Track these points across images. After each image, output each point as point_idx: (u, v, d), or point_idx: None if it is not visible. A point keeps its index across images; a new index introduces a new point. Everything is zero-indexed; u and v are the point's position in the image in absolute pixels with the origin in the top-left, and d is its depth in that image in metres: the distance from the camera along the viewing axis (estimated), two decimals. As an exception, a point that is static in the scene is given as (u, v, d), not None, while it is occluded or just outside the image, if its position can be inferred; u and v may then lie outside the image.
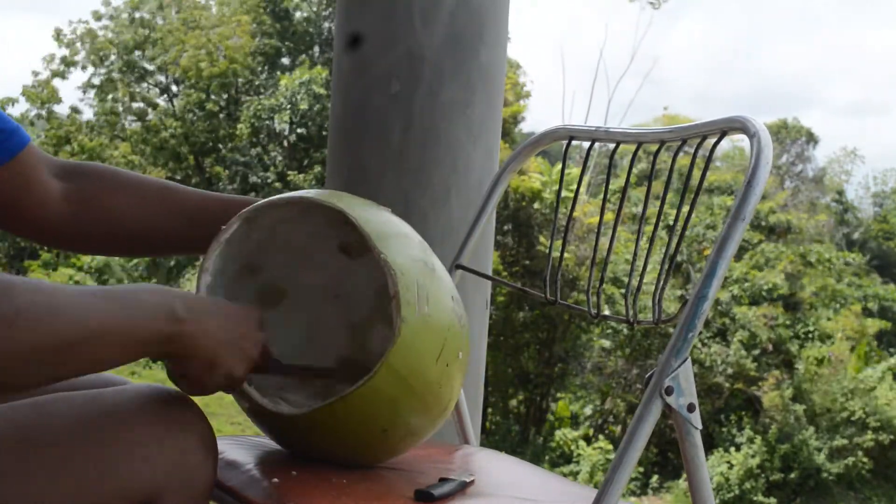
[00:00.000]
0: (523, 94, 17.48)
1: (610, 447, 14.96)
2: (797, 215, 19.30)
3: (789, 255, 17.00)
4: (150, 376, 13.77)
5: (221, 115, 17.90)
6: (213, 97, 17.78)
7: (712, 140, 1.11)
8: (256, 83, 18.21)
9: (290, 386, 1.13)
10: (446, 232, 1.97)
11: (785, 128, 23.27)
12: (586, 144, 1.33)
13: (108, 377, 1.13)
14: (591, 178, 17.40)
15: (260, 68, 18.48)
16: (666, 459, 15.43)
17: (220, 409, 11.69)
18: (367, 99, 1.98)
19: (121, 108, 18.52)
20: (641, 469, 14.89)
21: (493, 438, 15.19)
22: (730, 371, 15.54)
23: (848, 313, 17.24)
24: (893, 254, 23.74)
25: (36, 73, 18.10)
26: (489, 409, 16.11)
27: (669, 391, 0.93)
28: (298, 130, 17.70)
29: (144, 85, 18.79)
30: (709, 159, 1.15)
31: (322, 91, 16.33)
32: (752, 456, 14.87)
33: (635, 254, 1.23)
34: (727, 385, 15.67)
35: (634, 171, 1.24)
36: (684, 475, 1.24)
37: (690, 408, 0.94)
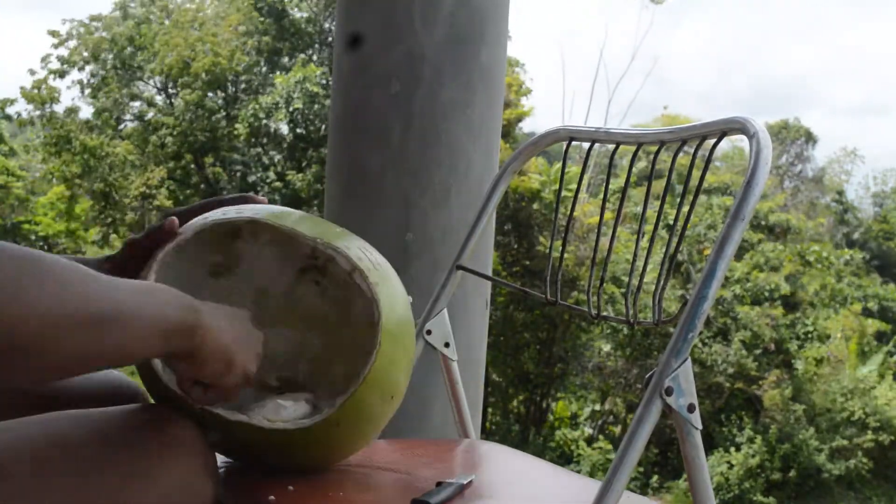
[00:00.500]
0: (523, 91, 17.47)
1: (610, 447, 14.96)
2: (797, 215, 19.31)
3: (789, 255, 17.00)
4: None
5: (220, 115, 17.90)
6: (210, 95, 17.77)
7: (712, 141, 1.11)
8: (256, 83, 18.20)
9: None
10: (446, 232, 1.97)
11: (785, 128, 23.26)
12: (586, 145, 1.33)
13: (120, 379, 1.13)
14: (591, 177, 17.40)
15: (258, 68, 18.47)
16: (666, 459, 15.42)
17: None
18: (367, 99, 1.98)
19: (120, 107, 18.52)
20: (641, 469, 14.88)
21: (492, 439, 15.16)
22: (730, 371, 15.54)
23: (848, 313, 17.24)
24: (893, 254, 23.73)
25: (33, 72, 18.12)
26: (489, 409, 16.11)
27: (669, 392, 0.93)
28: (298, 130, 17.70)
29: (142, 84, 18.79)
30: (708, 160, 1.15)
31: (316, 90, 16.31)
32: (752, 456, 14.86)
33: (635, 254, 1.23)
34: (727, 385, 15.66)
35: (634, 171, 1.24)
36: (684, 475, 1.24)
37: (690, 408, 0.94)
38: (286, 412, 1.02)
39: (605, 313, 1.24)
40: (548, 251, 1.25)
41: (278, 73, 17.67)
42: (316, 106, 16.45)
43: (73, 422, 0.87)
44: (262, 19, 18.34)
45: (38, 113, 17.99)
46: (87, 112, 18.52)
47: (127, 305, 0.74)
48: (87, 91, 18.30)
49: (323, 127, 16.69)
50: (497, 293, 14.65)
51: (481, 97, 2.01)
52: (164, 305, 0.79)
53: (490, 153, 2.05)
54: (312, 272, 1.19)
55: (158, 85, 18.75)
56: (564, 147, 1.35)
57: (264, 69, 18.57)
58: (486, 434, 14.84)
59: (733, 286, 16.09)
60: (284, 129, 17.92)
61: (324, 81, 16.33)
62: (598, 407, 16.84)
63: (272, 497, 0.97)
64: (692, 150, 1.16)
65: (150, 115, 18.50)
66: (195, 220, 1.09)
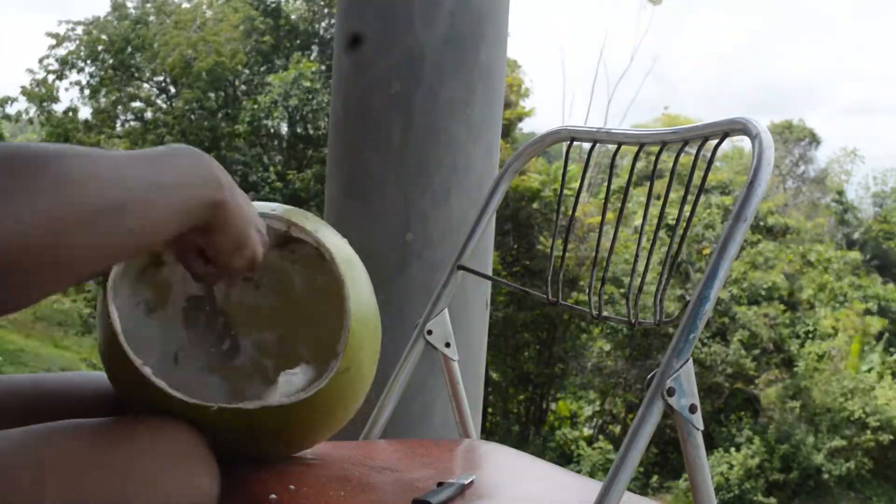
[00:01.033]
0: (523, 92, 17.47)
1: (610, 447, 14.97)
2: (797, 216, 19.31)
3: (789, 255, 17.00)
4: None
5: (220, 115, 17.90)
6: (209, 94, 17.77)
7: (714, 141, 1.10)
8: (255, 82, 18.21)
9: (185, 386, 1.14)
10: (446, 232, 1.97)
11: (789, 129, 23.27)
12: (587, 145, 1.33)
13: (91, 377, 1.13)
14: (592, 178, 17.40)
15: (257, 67, 18.47)
16: (666, 459, 15.43)
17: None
18: (367, 99, 1.98)
19: (119, 107, 18.52)
20: (641, 469, 14.88)
21: (493, 439, 15.10)
22: (729, 371, 15.54)
23: (849, 312, 17.25)
24: (893, 254, 23.73)
25: (32, 72, 18.14)
26: (489, 409, 16.11)
27: (671, 392, 0.93)
28: (297, 130, 17.70)
29: (142, 84, 18.79)
30: (710, 161, 1.15)
31: (312, 85, 16.31)
32: (752, 456, 14.87)
33: (637, 254, 1.23)
34: (727, 385, 15.67)
35: (635, 171, 1.24)
36: (684, 475, 1.24)
37: (692, 409, 0.94)
38: (298, 380, 1.03)
39: (605, 313, 1.24)
40: (548, 251, 1.25)
41: (276, 72, 17.67)
42: (313, 102, 16.44)
43: (73, 429, 0.87)
44: (261, 19, 18.35)
45: (37, 112, 17.98)
46: (85, 113, 18.54)
47: (144, 187, 0.69)
48: (87, 92, 18.30)
49: (322, 126, 16.68)
50: (497, 293, 14.66)
51: (481, 97, 2.01)
52: (186, 180, 0.74)
53: (490, 153, 2.05)
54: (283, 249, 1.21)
55: (158, 85, 18.74)
56: (566, 147, 1.35)
57: (262, 69, 18.58)
58: (486, 434, 14.84)
59: (730, 286, 16.09)
60: (284, 128, 17.92)
61: (319, 77, 16.33)
62: (598, 407, 16.85)
63: (273, 496, 0.97)
64: (694, 151, 1.16)
65: (149, 114, 18.50)
66: None
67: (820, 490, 15.30)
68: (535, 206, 15.67)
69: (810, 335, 16.23)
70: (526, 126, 18.02)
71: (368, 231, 1.95)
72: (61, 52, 18.16)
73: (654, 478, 15.24)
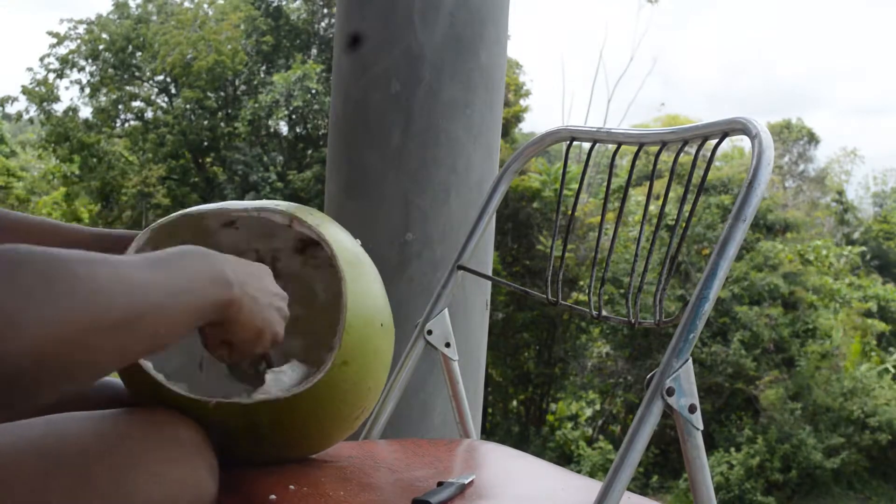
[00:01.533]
0: (523, 93, 17.47)
1: (610, 447, 14.96)
2: (796, 215, 19.30)
3: (789, 254, 17.00)
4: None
5: (220, 114, 17.89)
6: (210, 94, 17.76)
7: (713, 141, 1.10)
8: (255, 82, 18.20)
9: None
10: (446, 232, 1.97)
11: (787, 128, 23.27)
12: (587, 145, 1.33)
13: (117, 385, 1.13)
14: (591, 177, 17.39)
15: (257, 67, 18.47)
16: (666, 459, 15.42)
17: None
18: (367, 99, 1.98)
19: (119, 106, 18.52)
20: (641, 469, 14.88)
21: (493, 439, 15.17)
22: (729, 371, 15.53)
23: (850, 311, 17.24)
24: (893, 254, 23.72)
25: (32, 71, 18.15)
26: (489, 409, 16.11)
27: (671, 392, 0.93)
28: (297, 129, 17.70)
29: (143, 84, 18.79)
30: (710, 160, 1.15)
31: (317, 87, 16.31)
32: (752, 456, 14.86)
33: (636, 255, 1.23)
34: (727, 385, 15.66)
35: (635, 171, 1.24)
36: (685, 475, 1.24)
37: (692, 409, 0.94)
38: (287, 377, 1.03)
39: (605, 313, 1.24)
40: (548, 251, 1.25)
41: (277, 72, 17.66)
42: (315, 104, 16.44)
43: (76, 422, 0.87)
44: (261, 19, 18.35)
45: (37, 112, 17.98)
46: (86, 112, 18.54)
47: (159, 294, 0.73)
48: (87, 91, 18.29)
49: (323, 126, 16.68)
50: (497, 293, 14.65)
51: (481, 97, 2.01)
52: (196, 284, 0.78)
53: (490, 153, 2.05)
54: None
55: (159, 85, 18.73)
56: (566, 147, 1.35)
57: (262, 69, 18.57)
58: (486, 434, 14.84)
59: (731, 286, 16.08)
60: (284, 128, 17.92)
61: (324, 78, 16.33)
62: (598, 407, 16.84)
63: (273, 496, 0.97)
64: (693, 151, 1.16)
65: (149, 114, 18.50)
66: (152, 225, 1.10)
67: (820, 490, 15.30)
68: (535, 205, 15.67)
69: (811, 335, 16.22)
70: (526, 126, 18.03)
71: (368, 231, 1.95)
72: (62, 50, 18.16)
73: (654, 478, 15.24)
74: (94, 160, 17.63)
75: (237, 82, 18.39)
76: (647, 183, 1.19)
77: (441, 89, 1.95)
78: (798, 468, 15.02)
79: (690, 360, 0.94)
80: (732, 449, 15.15)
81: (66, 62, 18.12)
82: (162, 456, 0.88)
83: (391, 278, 1.91)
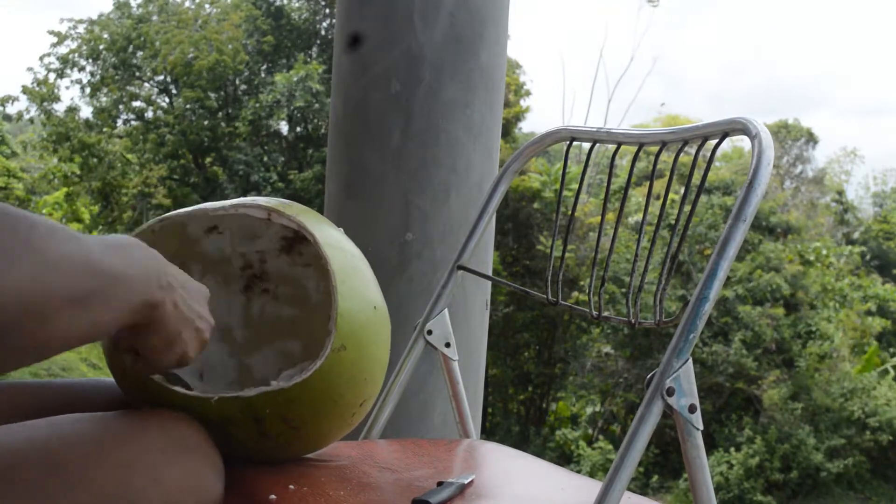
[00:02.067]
0: (523, 93, 17.47)
1: (610, 447, 14.96)
2: (797, 216, 19.31)
3: (789, 255, 17.00)
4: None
5: (220, 114, 17.88)
6: (210, 94, 17.76)
7: (713, 141, 1.10)
8: (256, 82, 18.20)
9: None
10: (446, 232, 1.97)
11: (785, 128, 23.27)
12: (587, 145, 1.33)
13: (98, 383, 1.13)
14: (591, 177, 17.39)
15: (257, 67, 18.47)
16: (666, 459, 15.42)
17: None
18: (367, 99, 1.98)
19: (120, 106, 18.52)
20: (641, 469, 14.88)
21: (493, 439, 15.16)
22: (730, 371, 15.53)
23: (850, 312, 17.24)
24: (893, 254, 23.72)
25: (32, 71, 18.15)
26: (489, 409, 16.11)
27: (671, 392, 0.93)
28: (298, 129, 17.70)
29: (143, 84, 18.79)
30: (710, 160, 1.15)
31: (318, 87, 16.31)
32: (752, 456, 14.86)
33: (636, 255, 1.23)
34: (727, 385, 15.66)
35: (635, 171, 1.24)
36: (684, 475, 1.23)
37: (692, 409, 0.94)
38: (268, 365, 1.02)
39: (606, 313, 1.24)
40: (548, 251, 1.25)
41: (278, 72, 17.66)
42: (316, 104, 16.44)
43: (78, 423, 0.87)
44: (262, 18, 18.34)
45: (38, 111, 17.97)
46: (86, 112, 18.54)
47: (109, 277, 0.72)
48: (87, 90, 18.29)
49: (323, 126, 16.68)
50: (497, 293, 14.65)
51: (481, 97, 2.01)
52: (140, 276, 0.77)
53: (490, 153, 2.05)
54: (257, 285, 1.21)
55: (160, 85, 18.73)
56: (566, 147, 1.35)
57: (263, 68, 18.57)
58: (486, 434, 14.84)
59: (735, 286, 16.09)
60: (285, 128, 17.92)
61: (325, 79, 16.33)
62: (598, 407, 16.84)
63: (273, 496, 0.97)
64: (693, 151, 1.16)
65: (150, 113, 18.50)
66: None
67: (820, 490, 15.30)
68: (535, 206, 15.67)
69: (812, 335, 16.22)
70: (526, 126, 18.03)
71: (368, 231, 1.95)
72: (62, 50, 18.15)
73: (654, 478, 15.24)
74: (95, 160, 17.63)
75: (237, 82, 18.39)
76: (648, 183, 1.19)
77: (441, 89, 1.95)
78: (798, 468, 15.02)
79: (691, 361, 0.94)
80: (732, 449, 15.15)
81: (66, 62, 18.12)
82: (165, 457, 0.88)
83: (391, 278, 1.92)
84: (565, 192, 12.85)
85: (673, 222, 1.25)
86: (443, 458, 1.21)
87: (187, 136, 17.49)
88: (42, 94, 17.78)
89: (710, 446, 15.00)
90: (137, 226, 17.47)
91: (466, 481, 1.04)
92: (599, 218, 1.34)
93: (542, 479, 1.18)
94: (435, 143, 1.95)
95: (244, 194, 16.52)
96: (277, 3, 18.86)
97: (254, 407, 0.97)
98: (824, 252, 17.78)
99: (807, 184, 23.66)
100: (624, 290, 14.54)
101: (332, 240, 1.06)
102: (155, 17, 18.38)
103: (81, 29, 18.23)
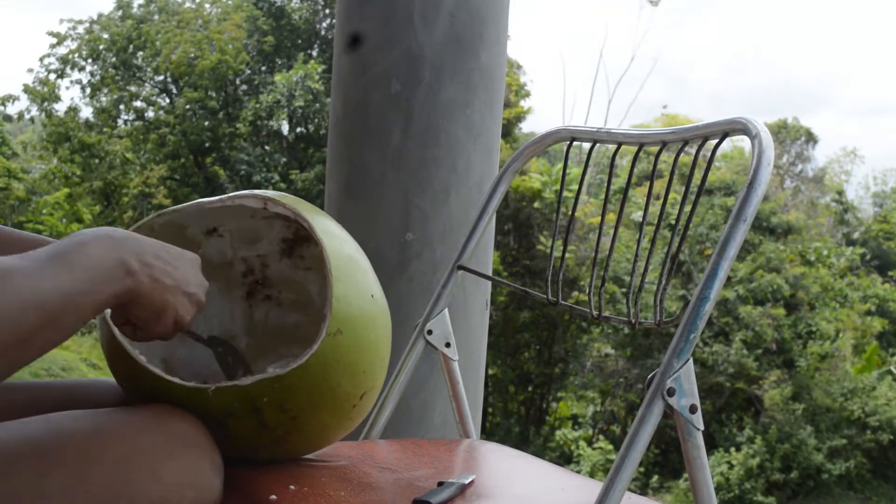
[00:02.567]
0: (524, 93, 17.47)
1: (610, 447, 14.95)
2: (797, 216, 19.31)
3: (790, 255, 17.00)
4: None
5: (221, 115, 17.88)
6: (211, 94, 17.75)
7: (714, 141, 1.10)
8: (256, 82, 18.20)
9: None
10: (446, 232, 1.97)
11: (784, 128, 23.26)
12: (587, 146, 1.33)
13: (99, 383, 1.13)
14: (591, 177, 17.39)
15: (258, 67, 18.47)
16: (666, 459, 15.42)
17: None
18: (367, 99, 1.98)
19: (120, 106, 18.52)
20: (642, 469, 14.88)
21: (493, 439, 15.16)
22: (731, 371, 15.53)
23: (850, 312, 17.24)
24: (893, 254, 23.72)
25: (31, 70, 18.15)
26: (489, 409, 16.11)
27: (671, 392, 0.93)
28: (298, 129, 17.70)
29: (144, 84, 18.79)
30: (710, 160, 1.15)
31: (318, 86, 16.31)
32: (753, 456, 14.86)
33: (636, 255, 1.23)
34: (728, 385, 15.66)
35: (635, 171, 1.24)
36: (685, 475, 1.23)
37: (692, 409, 0.94)
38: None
39: (606, 313, 1.24)
40: (548, 251, 1.25)
41: (278, 72, 17.66)
42: (317, 104, 16.44)
43: (75, 421, 0.87)
44: (263, 19, 18.34)
45: (38, 111, 17.97)
46: (87, 112, 18.54)
47: (62, 299, 0.76)
48: (88, 91, 18.29)
49: (324, 126, 16.69)
50: (497, 293, 14.65)
51: (481, 97, 2.01)
52: (97, 281, 0.80)
53: (490, 153, 2.05)
54: (259, 291, 1.21)
55: (160, 85, 18.72)
56: (566, 147, 1.35)
57: (263, 69, 18.57)
58: (486, 434, 14.84)
59: (736, 286, 16.09)
60: (285, 128, 17.91)
61: (325, 78, 16.33)
62: (598, 407, 16.84)
63: (273, 496, 0.97)
64: (693, 151, 1.16)
65: (150, 114, 18.50)
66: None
67: (820, 490, 15.29)
68: (536, 206, 15.66)
69: (813, 335, 16.22)
70: (526, 126, 18.00)
71: (368, 231, 1.94)
72: (62, 50, 18.15)
73: (655, 478, 15.24)
74: (96, 161, 17.63)
75: (237, 82, 18.39)
76: (648, 183, 1.19)
77: (441, 89, 1.95)
78: (798, 468, 15.02)
79: (691, 361, 0.94)
80: (733, 449, 15.15)
81: (66, 62, 18.11)
82: (163, 454, 0.87)
83: (391, 278, 1.91)
84: (566, 193, 12.84)
85: (673, 222, 1.25)
86: (443, 458, 1.21)
87: (188, 136, 17.49)
88: (43, 93, 17.77)
89: (711, 446, 15.00)
90: (148, 216, 17.46)
91: (467, 481, 1.04)
92: (599, 218, 1.34)
93: (543, 480, 1.18)
94: (435, 143, 1.95)
95: None
96: (278, 3, 18.86)
97: (251, 396, 0.96)
98: (825, 252, 17.78)
99: (807, 183, 23.66)
100: (624, 290, 14.54)
101: (328, 228, 1.06)
102: (156, 17, 18.38)
103: (81, 29, 18.23)
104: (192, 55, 17.17)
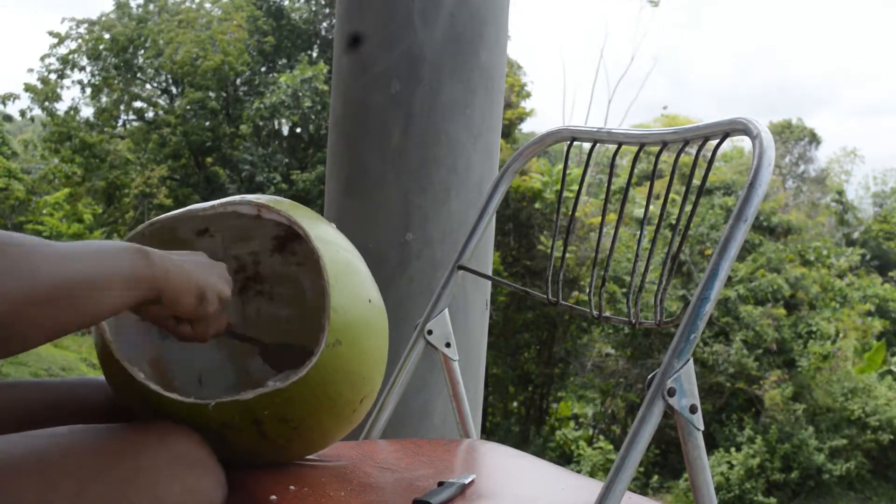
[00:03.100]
0: (524, 94, 17.46)
1: (610, 447, 14.95)
2: (798, 216, 19.31)
3: (790, 255, 17.00)
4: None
5: (221, 115, 17.87)
6: (211, 94, 17.74)
7: (714, 142, 1.10)
8: (256, 82, 18.19)
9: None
10: (446, 232, 1.97)
11: (788, 128, 23.26)
12: (587, 145, 1.33)
13: (93, 382, 1.12)
14: (592, 177, 17.39)
15: (258, 67, 18.46)
16: (666, 459, 15.42)
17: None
18: (367, 99, 1.98)
19: (121, 107, 18.51)
20: (642, 469, 14.87)
21: (493, 438, 15.15)
22: (731, 370, 15.53)
23: (851, 312, 17.24)
24: (893, 254, 23.71)
25: (32, 70, 18.15)
26: (489, 409, 16.11)
27: (671, 392, 0.93)
28: (297, 130, 17.70)
29: (145, 84, 18.78)
30: (711, 160, 1.15)
31: (324, 87, 16.32)
32: (753, 456, 14.86)
33: (637, 255, 1.23)
34: (728, 385, 15.66)
35: (636, 171, 1.24)
36: (685, 475, 1.23)
37: (692, 409, 0.94)
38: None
39: (606, 313, 1.24)
40: (548, 251, 1.25)
41: (280, 72, 17.65)
42: (319, 105, 16.46)
43: (77, 435, 0.86)
44: (263, 19, 18.34)
45: (40, 110, 17.96)
46: (87, 112, 18.53)
47: (86, 271, 0.76)
48: (88, 91, 18.28)
49: (325, 126, 16.69)
50: (497, 293, 14.64)
51: (481, 97, 2.01)
52: (118, 262, 0.80)
53: (490, 153, 2.05)
54: (252, 286, 1.20)
55: (161, 85, 18.71)
56: (566, 147, 1.34)
57: (263, 69, 18.57)
58: (487, 434, 14.84)
59: (737, 286, 16.08)
60: (287, 128, 17.91)
61: (329, 79, 16.33)
62: (598, 407, 16.84)
63: (273, 497, 0.97)
64: (694, 151, 1.16)
65: (151, 114, 18.50)
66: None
67: (820, 490, 15.29)
68: (536, 206, 15.66)
69: (813, 335, 16.21)
70: (526, 126, 17.99)
71: (368, 231, 1.94)
72: (62, 50, 18.14)
73: (655, 478, 15.23)
74: (97, 161, 17.62)
75: (237, 82, 18.39)
76: (649, 183, 1.19)
77: (441, 89, 1.95)
78: (799, 468, 15.02)
79: (691, 361, 0.94)
80: (733, 449, 15.14)
81: (66, 62, 18.10)
82: (165, 473, 0.87)
83: (391, 278, 1.91)
84: (566, 193, 12.84)
85: (674, 222, 1.25)
86: (443, 458, 1.21)
87: (188, 136, 17.49)
88: (46, 91, 17.75)
89: (711, 446, 14.99)
90: (139, 225, 17.46)
91: (467, 481, 1.04)
92: (600, 218, 1.34)
93: (543, 479, 1.18)
94: (435, 143, 1.95)
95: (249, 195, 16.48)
96: (279, 2, 18.86)
97: (252, 409, 0.96)
98: (825, 252, 17.79)
99: (808, 184, 23.66)
100: (624, 290, 14.53)
101: (324, 234, 1.05)
102: (155, 18, 18.37)
103: (82, 29, 18.22)
104: (195, 56, 17.16)
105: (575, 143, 1.34)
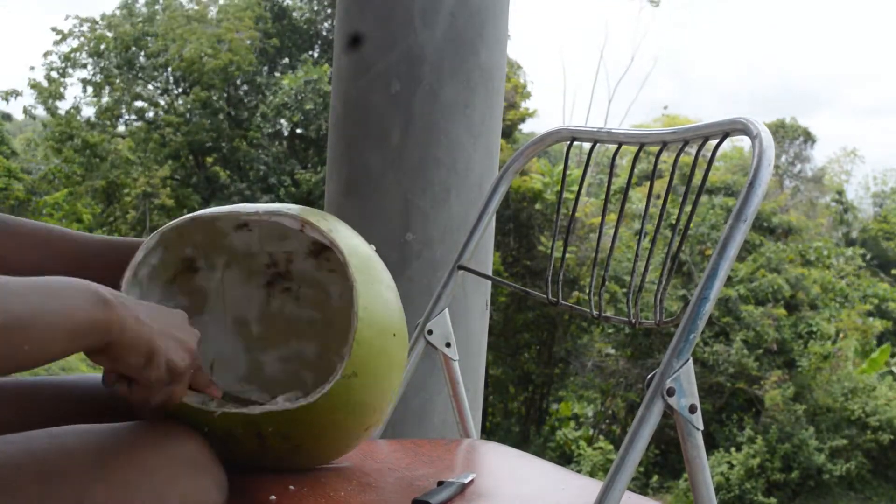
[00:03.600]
0: (525, 94, 17.46)
1: (610, 447, 14.95)
2: (797, 216, 19.31)
3: (790, 255, 17.00)
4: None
5: (221, 115, 17.87)
6: (215, 94, 17.73)
7: (714, 141, 1.10)
8: (258, 82, 18.19)
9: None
10: (446, 232, 1.97)
11: (782, 127, 23.26)
12: (587, 145, 1.33)
13: (91, 380, 1.12)
14: (592, 177, 17.39)
15: (260, 67, 18.45)
16: (666, 459, 15.42)
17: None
18: (367, 99, 1.98)
19: (123, 106, 18.50)
20: (641, 469, 14.87)
21: (493, 438, 15.08)
22: (731, 370, 15.53)
23: (851, 312, 17.24)
24: (893, 253, 23.72)
25: (33, 68, 18.14)
26: (489, 409, 16.11)
27: (671, 392, 0.93)
28: (298, 131, 17.70)
29: (147, 84, 18.77)
30: (711, 160, 1.15)
31: (328, 88, 16.33)
32: (753, 456, 14.86)
33: (637, 255, 1.23)
34: (728, 385, 15.66)
35: (636, 171, 1.24)
36: (685, 475, 1.23)
37: (692, 409, 0.94)
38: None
39: (606, 314, 1.24)
40: (548, 251, 1.25)
41: (284, 73, 17.65)
42: (322, 107, 16.46)
43: (78, 436, 0.86)
44: (268, 18, 18.34)
45: (42, 109, 17.95)
46: (89, 111, 18.52)
47: (28, 311, 0.72)
48: (90, 89, 18.27)
49: (325, 126, 16.70)
50: (498, 293, 14.64)
51: (481, 97, 2.01)
52: (70, 305, 0.75)
53: (490, 153, 2.05)
54: (279, 282, 1.20)
55: (162, 85, 18.70)
56: (566, 147, 1.34)
57: (265, 69, 18.57)
58: (487, 434, 14.84)
59: (737, 286, 16.08)
60: (290, 129, 17.91)
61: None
62: (598, 407, 16.84)
63: (273, 497, 0.97)
64: (694, 151, 1.16)
65: (152, 113, 18.48)
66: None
67: (820, 490, 15.29)
68: (537, 206, 15.66)
69: (814, 335, 16.21)
70: (526, 126, 17.97)
71: (368, 231, 1.94)
72: (64, 48, 18.13)
73: (655, 478, 15.23)
74: (97, 160, 17.62)
75: (238, 82, 18.39)
76: (648, 183, 1.20)
77: (441, 89, 1.95)
78: (799, 468, 15.02)
79: (691, 361, 0.94)
80: (733, 449, 15.15)
81: (68, 59, 18.09)
82: (168, 477, 0.87)
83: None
84: (566, 193, 12.84)
85: (674, 222, 1.25)
86: (443, 457, 1.21)
87: (190, 136, 17.48)
88: (49, 89, 17.72)
89: (711, 446, 14.99)
90: (140, 226, 17.46)
91: (467, 481, 1.04)
92: (600, 218, 1.34)
93: (543, 479, 1.18)
94: (435, 143, 1.95)
95: (260, 195, 16.51)
96: (282, 2, 18.85)
97: (257, 423, 0.97)
98: (825, 252, 17.79)
99: (806, 183, 23.66)
100: (624, 289, 14.54)
101: (363, 261, 1.04)
102: (160, 17, 18.36)
103: (86, 27, 18.20)
104: (203, 54, 17.11)
105: (575, 143, 1.34)
